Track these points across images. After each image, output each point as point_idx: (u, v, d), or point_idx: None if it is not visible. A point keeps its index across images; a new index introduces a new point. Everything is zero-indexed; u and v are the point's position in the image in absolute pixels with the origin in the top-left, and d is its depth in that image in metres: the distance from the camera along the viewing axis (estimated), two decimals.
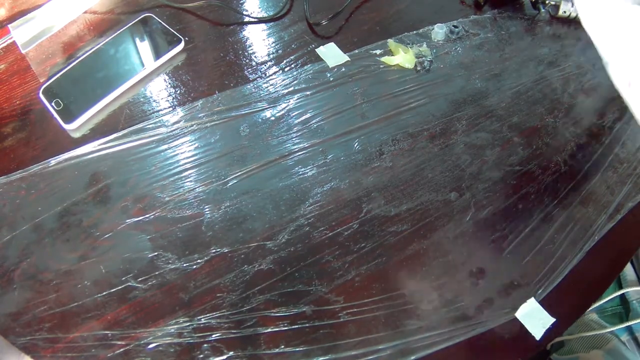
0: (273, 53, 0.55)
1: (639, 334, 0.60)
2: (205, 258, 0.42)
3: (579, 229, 0.44)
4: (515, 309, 0.41)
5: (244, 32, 0.57)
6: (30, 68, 0.54)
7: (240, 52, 0.55)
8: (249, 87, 0.52)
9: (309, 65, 0.54)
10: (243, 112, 0.50)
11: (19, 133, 0.49)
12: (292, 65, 0.54)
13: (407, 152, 0.49)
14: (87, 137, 0.49)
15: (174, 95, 0.52)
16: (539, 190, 0.46)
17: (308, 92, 0.52)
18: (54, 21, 0.56)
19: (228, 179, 0.46)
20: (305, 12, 0.58)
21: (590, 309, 0.58)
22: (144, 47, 0.55)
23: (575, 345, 0.60)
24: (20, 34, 0.54)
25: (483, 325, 0.40)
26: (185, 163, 0.47)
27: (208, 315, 0.39)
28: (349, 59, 0.54)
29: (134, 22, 0.56)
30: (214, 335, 0.38)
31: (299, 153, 0.48)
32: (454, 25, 0.57)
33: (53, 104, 0.50)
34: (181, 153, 0.48)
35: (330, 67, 0.54)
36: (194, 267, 0.42)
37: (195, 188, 0.45)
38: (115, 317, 0.39)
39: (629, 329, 0.60)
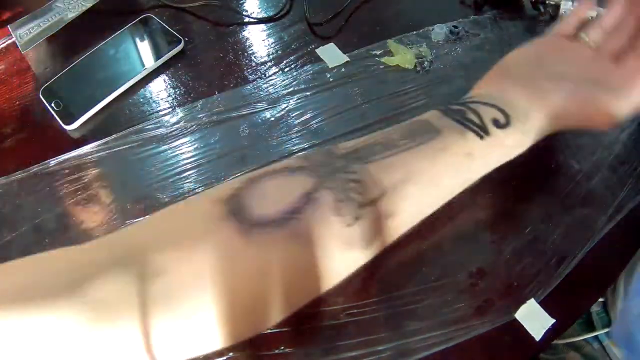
0: (273, 53, 0.55)
1: (605, 343, 0.62)
2: None
3: (579, 229, 0.44)
4: (515, 310, 0.41)
5: (243, 33, 0.57)
6: (30, 68, 0.54)
7: (240, 52, 0.55)
8: (248, 87, 0.52)
9: (308, 66, 0.54)
10: (243, 113, 0.50)
11: (18, 134, 0.49)
12: (292, 66, 0.54)
13: None
14: (86, 138, 0.49)
15: (173, 96, 0.52)
16: (539, 190, 0.46)
17: (308, 93, 0.52)
18: (54, 21, 0.56)
19: (228, 179, 0.46)
20: (305, 13, 0.58)
21: None
22: (144, 47, 0.55)
23: (559, 346, 0.62)
24: (20, 34, 0.54)
25: (483, 326, 0.40)
26: (185, 164, 0.47)
27: None
28: (348, 60, 0.54)
29: (133, 22, 0.56)
30: None
31: (299, 154, 0.48)
32: (454, 26, 0.57)
33: (53, 104, 0.50)
34: (181, 154, 0.48)
35: (330, 67, 0.54)
36: None
37: (196, 189, 0.45)
38: None
39: (597, 339, 0.62)
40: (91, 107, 0.50)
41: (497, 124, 0.38)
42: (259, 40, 0.57)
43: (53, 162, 0.47)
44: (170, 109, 0.51)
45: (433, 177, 0.36)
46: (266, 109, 0.51)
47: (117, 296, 0.28)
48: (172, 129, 0.49)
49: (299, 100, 0.51)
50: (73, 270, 0.29)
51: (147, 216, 0.44)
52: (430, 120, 0.38)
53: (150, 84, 0.53)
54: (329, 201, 0.32)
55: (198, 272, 0.29)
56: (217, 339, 0.31)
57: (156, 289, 0.28)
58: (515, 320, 0.41)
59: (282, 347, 0.38)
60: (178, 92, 0.52)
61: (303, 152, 0.43)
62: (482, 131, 0.38)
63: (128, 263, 0.29)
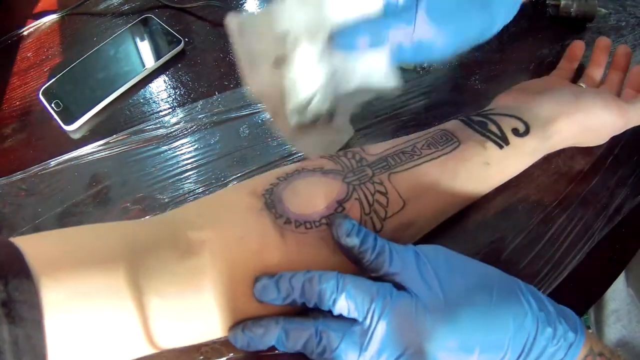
0: None
1: None
2: None
3: (578, 230, 0.44)
4: None
5: None
6: (30, 69, 0.54)
7: None
8: (248, 88, 0.52)
9: None
10: (243, 113, 0.50)
11: (18, 134, 0.49)
12: None
13: None
14: (87, 138, 0.49)
15: (173, 97, 0.52)
16: (538, 190, 0.46)
17: None
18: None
19: (228, 180, 0.46)
20: None
21: None
22: (144, 48, 0.55)
23: None
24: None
25: None
26: (185, 164, 0.47)
27: None
28: None
29: (133, 22, 0.56)
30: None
31: (300, 154, 0.48)
32: None
33: (53, 105, 0.50)
34: (181, 154, 0.48)
35: None
36: None
37: (196, 189, 0.45)
38: None
39: None
40: (91, 108, 0.50)
41: (516, 132, 0.41)
42: None
43: (53, 162, 0.47)
44: (170, 110, 0.51)
45: (452, 187, 0.39)
46: (266, 109, 0.51)
47: (158, 269, 0.31)
48: (172, 130, 0.49)
49: None
50: (129, 241, 0.32)
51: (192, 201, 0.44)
52: (453, 130, 0.41)
53: (150, 85, 0.53)
54: (356, 213, 0.35)
55: (231, 254, 0.32)
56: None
57: (190, 264, 0.31)
58: None
59: None
60: (178, 93, 0.52)
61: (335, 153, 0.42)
62: (502, 141, 0.40)
63: (174, 239, 0.32)
